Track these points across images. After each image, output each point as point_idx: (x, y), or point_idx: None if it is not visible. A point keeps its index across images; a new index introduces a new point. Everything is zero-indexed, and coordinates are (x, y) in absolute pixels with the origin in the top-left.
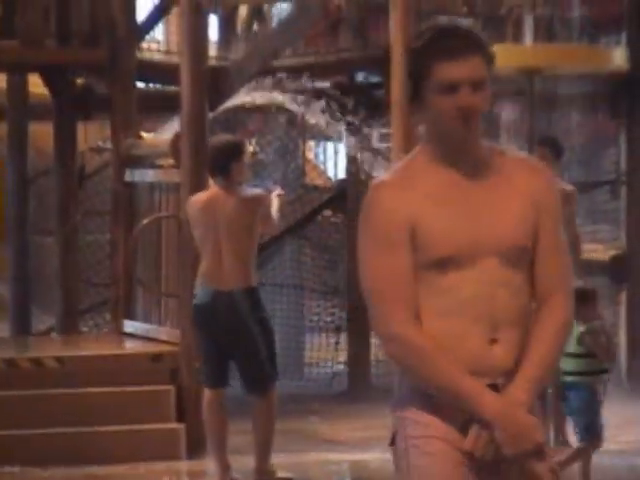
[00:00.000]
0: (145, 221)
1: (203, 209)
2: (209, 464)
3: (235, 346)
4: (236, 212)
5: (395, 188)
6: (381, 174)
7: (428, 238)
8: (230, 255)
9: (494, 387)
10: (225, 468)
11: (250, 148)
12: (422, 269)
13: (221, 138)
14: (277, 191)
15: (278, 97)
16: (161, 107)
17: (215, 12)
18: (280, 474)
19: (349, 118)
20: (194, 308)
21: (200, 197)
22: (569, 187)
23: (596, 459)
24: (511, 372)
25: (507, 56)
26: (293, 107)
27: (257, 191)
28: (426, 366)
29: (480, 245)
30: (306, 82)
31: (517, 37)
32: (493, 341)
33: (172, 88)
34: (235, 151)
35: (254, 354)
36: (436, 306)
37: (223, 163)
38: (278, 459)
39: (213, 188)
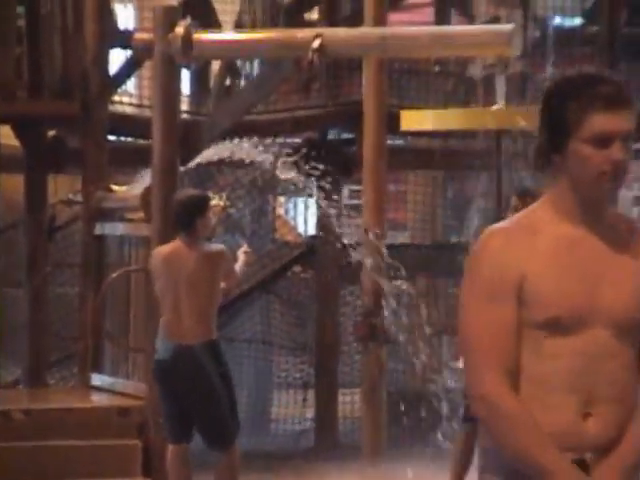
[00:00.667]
0: (114, 275)
1: (165, 262)
2: None
3: (196, 401)
4: (198, 266)
5: (509, 238)
6: (351, 232)
7: (537, 296)
8: (191, 309)
9: (582, 462)
10: None
11: (220, 203)
12: (526, 329)
13: (186, 192)
14: (244, 248)
15: (249, 153)
16: (132, 160)
17: (188, 66)
18: None
19: (320, 174)
20: (155, 363)
21: (163, 250)
22: None
23: None
24: (603, 449)
25: (472, 120)
26: (264, 163)
27: (220, 247)
28: (512, 433)
29: (593, 312)
30: (277, 138)
31: (489, 97)
32: (587, 415)
33: (144, 141)
34: (200, 206)
35: (216, 409)
36: (533, 371)
37: (187, 218)
38: None
39: (177, 241)
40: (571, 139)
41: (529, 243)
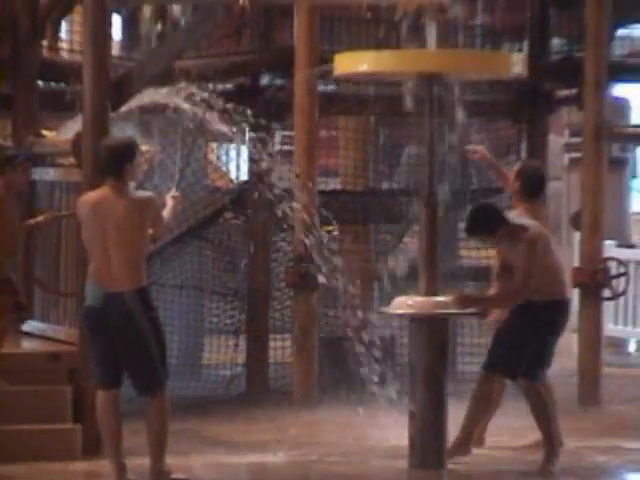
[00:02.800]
0: (40, 217)
1: (93, 209)
2: (105, 464)
3: (126, 347)
4: (126, 213)
5: None
6: (283, 178)
7: None
8: (119, 256)
9: None
10: (121, 468)
11: (150, 149)
12: None
13: (115, 138)
14: (172, 192)
15: (180, 99)
16: (63, 106)
17: (119, 12)
18: (175, 475)
19: (251, 121)
20: (84, 310)
21: (90, 197)
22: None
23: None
24: None
25: (406, 62)
26: (196, 109)
27: (148, 194)
28: None
29: None
30: (209, 84)
31: (419, 43)
32: None
33: (74, 87)
34: (129, 152)
35: (145, 355)
36: None
37: (116, 163)
38: (174, 460)
39: (105, 188)
40: None
41: None
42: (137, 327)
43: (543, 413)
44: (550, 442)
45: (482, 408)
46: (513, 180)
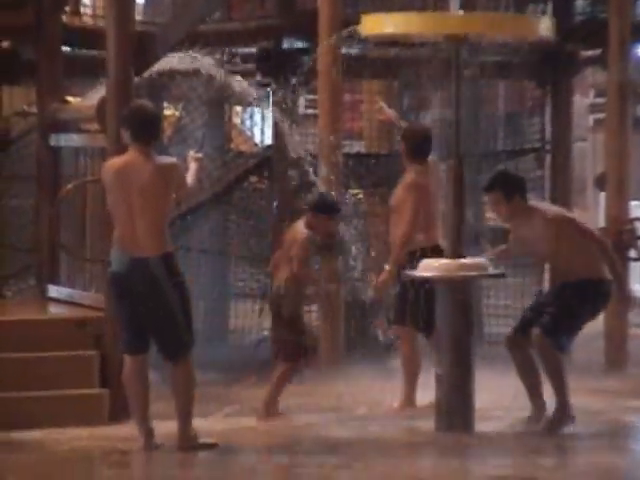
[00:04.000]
0: (69, 186)
1: (118, 174)
2: (133, 429)
3: (151, 313)
4: (151, 179)
5: None
6: (307, 141)
7: None
8: (144, 222)
9: None
10: (148, 433)
11: (175, 113)
12: None
13: (140, 103)
14: (193, 154)
15: (204, 62)
16: (87, 72)
17: None
18: (203, 440)
19: (275, 84)
20: (110, 275)
21: (115, 162)
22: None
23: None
24: None
25: (434, 24)
26: (219, 73)
27: (172, 159)
28: None
29: None
30: (232, 48)
31: (442, 7)
32: None
33: (98, 53)
34: (152, 117)
35: (170, 321)
36: None
37: (146, 130)
38: (201, 425)
39: (129, 153)
40: None
41: None
42: (162, 293)
43: (562, 377)
44: (565, 405)
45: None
46: (400, 142)
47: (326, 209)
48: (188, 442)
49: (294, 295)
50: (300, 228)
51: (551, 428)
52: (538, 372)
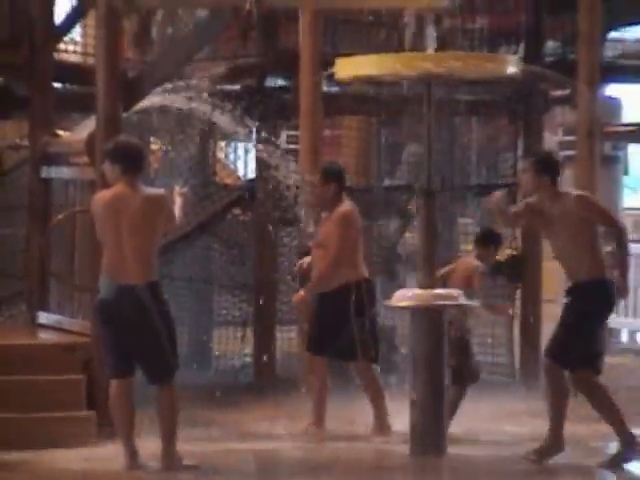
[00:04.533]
0: (60, 216)
1: (107, 205)
2: (118, 449)
3: (138, 338)
4: (140, 209)
5: None
6: (289, 175)
7: None
8: (132, 251)
9: None
10: (133, 453)
11: (159, 148)
12: None
13: (126, 138)
14: (178, 189)
15: (189, 99)
16: (77, 107)
17: (130, 16)
18: (186, 462)
19: (258, 120)
20: (98, 302)
21: (105, 194)
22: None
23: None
24: None
25: (405, 65)
26: (204, 109)
27: (160, 190)
28: None
29: None
30: (217, 85)
31: (419, 46)
32: None
33: (88, 89)
34: (135, 152)
35: (156, 346)
36: None
37: (124, 161)
38: (185, 447)
39: (118, 186)
40: None
41: None
42: (148, 319)
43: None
44: (623, 433)
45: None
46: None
47: (494, 240)
48: (172, 463)
49: (463, 322)
50: (472, 261)
51: (613, 464)
52: (565, 401)
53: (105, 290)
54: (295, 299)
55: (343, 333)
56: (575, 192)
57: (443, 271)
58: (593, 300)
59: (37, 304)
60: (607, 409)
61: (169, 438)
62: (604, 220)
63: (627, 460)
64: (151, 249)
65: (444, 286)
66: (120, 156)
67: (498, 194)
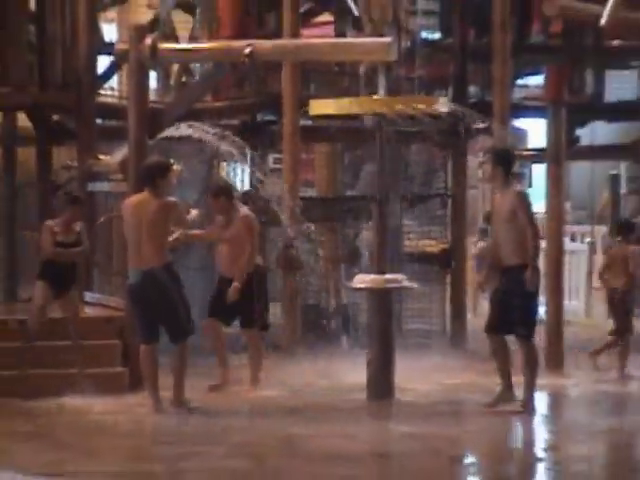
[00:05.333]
0: (101, 219)
1: (132, 208)
2: (146, 397)
3: (160, 309)
4: (155, 212)
5: None
6: (274, 188)
7: None
8: (149, 243)
9: None
10: (157, 400)
11: (178, 168)
12: None
13: (152, 159)
14: (195, 211)
15: (199, 130)
16: (114, 137)
17: (154, 68)
18: (192, 404)
19: (251, 147)
20: (128, 286)
21: (131, 200)
22: None
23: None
24: None
25: (361, 106)
26: (210, 138)
27: (172, 199)
28: None
29: None
30: (220, 120)
31: (373, 90)
32: None
33: (122, 123)
34: (159, 169)
35: (174, 313)
36: None
37: (150, 177)
38: (191, 394)
39: (142, 194)
40: None
41: None
42: (166, 293)
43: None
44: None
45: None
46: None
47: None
48: (181, 405)
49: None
50: (632, 248)
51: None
52: (509, 358)
53: (132, 276)
54: (233, 291)
55: (243, 308)
56: (518, 189)
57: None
58: (522, 281)
59: (84, 286)
60: (533, 364)
61: (179, 385)
62: (525, 218)
63: (532, 405)
64: (163, 241)
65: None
66: (146, 173)
67: (480, 246)
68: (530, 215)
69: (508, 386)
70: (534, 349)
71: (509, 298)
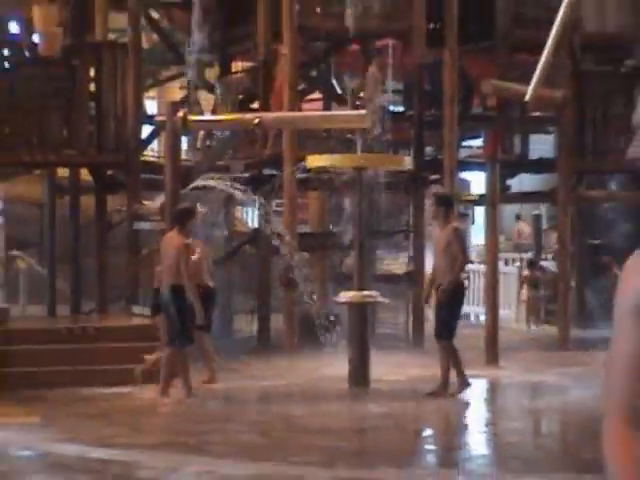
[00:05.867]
0: (145, 251)
1: (163, 242)
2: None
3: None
4: (172, 248)
5: None
6: (277, 225)
7: None
8: (165, 269)
9: None
10: (189, 388)
11: (203, 210)
12: None
13: (182, 205)
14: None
15: (220, 182)
16: (154, 187)
17: (185, 135)
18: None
19: (259, 194)
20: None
21: (165, 236)
22: None
23: (383, 385)
24: None
25: (344, 161)
26: (228, 188)
27: (187, 243)
28: (612, 469)
29: None
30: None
31: (353, 150)
32: None
33: (161, 177)
34: (188, 213)
35: (173, 325)
36: None
37: (180, 219)
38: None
39: (173, 231)
40: None
41: None
42: (169, 308)
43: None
44: (461, 374)
45: (453, 359)
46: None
47: None
48: (189, 393)
49: None
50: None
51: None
52: (458, 357)
53: (159, 294)
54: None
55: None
56: (455, 225)
57: None
58: (453, 296)
59: (131, 301)
60: (455, 360)
61: (184, 377)
62: (458, 248)
63: (462, 391)
64: (174, 268)
65: None
66: (177, 216)
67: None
68: (462, 247)
69: (445, 379)
70: (451, 347)
71: (439, 309)
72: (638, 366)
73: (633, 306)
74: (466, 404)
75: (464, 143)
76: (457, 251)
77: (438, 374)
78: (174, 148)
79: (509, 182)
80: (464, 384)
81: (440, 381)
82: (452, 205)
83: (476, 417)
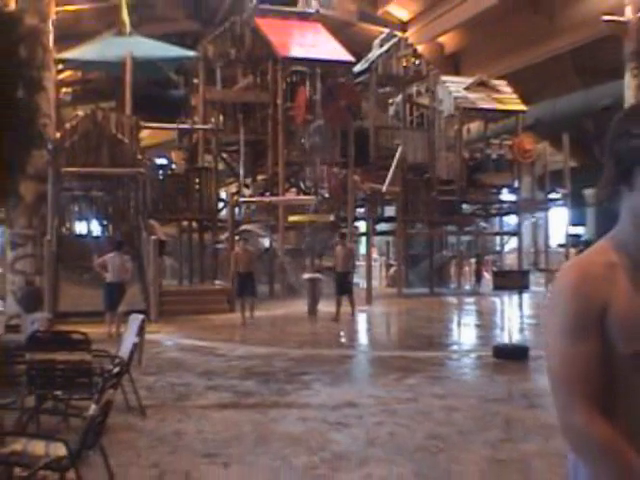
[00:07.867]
0: (220, 256)
1: (233, 253)
2: (238, 315)
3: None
4: (249, 254)
5: (589, 272)
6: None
7: (623, 330)
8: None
9: None
10: (245, 317)
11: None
12: (615, 362)
13: (238, 238)
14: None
15: (255, 228)
16: (223, 230)
17: (238, 207)
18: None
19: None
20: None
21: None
22: None
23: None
24: None
25: (305, 217)
26: (259, 231)
27: (238, 251)
28: (604, 460)
29: None
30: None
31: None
32: None
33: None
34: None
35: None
36: (624, 405)
37: (244, 240)
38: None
39: (237, 247)
40: (636, 172)
41: (607, 278)
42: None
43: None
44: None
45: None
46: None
47: None
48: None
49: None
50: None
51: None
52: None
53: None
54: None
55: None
56: (350, 245)
57: None
58: (348, 275)
59: (213, 278)
60: (352, 303)
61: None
62: (350, 256)
63: (354, 315)
64: (250, 264)
65: None
66: (241, 237)
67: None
68: (352, 256)
69: (337, 312)
70: (353, 299)
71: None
72: (595, 364)
73: (584, 311)
74: (357, 322)
75: (358, 210)
76: (349, 257)
77: (345, 310)
78: (233, 213)
79: (377, 226)
80: (355, 313)
81: (336, 311)
82: (346, 237)
83: (362, 327)
